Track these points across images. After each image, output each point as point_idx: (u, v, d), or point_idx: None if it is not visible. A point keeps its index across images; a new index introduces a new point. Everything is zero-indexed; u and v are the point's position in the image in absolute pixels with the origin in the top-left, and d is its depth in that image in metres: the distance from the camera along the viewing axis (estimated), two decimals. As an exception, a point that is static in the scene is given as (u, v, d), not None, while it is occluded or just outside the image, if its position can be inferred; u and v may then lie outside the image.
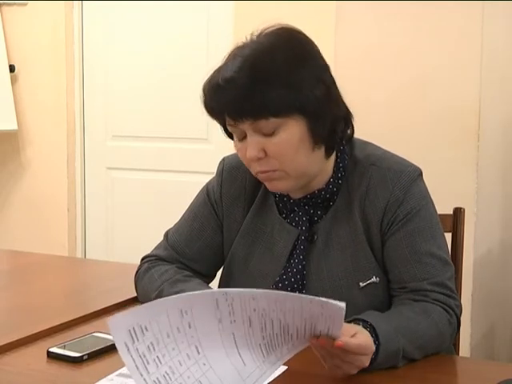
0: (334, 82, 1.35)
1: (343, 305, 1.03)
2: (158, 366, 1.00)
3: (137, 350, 0.97)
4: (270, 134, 1.29)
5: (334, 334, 1.08)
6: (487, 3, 2.62)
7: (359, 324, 1.22)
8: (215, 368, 1.04)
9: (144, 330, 0.98)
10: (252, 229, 1.46)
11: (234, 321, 1.03)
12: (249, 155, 1.30)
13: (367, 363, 1.16)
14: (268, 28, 1.34)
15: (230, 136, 1.38)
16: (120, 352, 0.97)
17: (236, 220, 1.48)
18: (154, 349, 0.99)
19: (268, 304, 1.02)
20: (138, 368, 0.98)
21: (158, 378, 0.99)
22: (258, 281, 1.42)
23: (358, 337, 1.13)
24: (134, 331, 0.97)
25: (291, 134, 1.29)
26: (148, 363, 0.99)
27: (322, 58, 1.35)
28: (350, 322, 1.23)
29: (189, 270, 1.50)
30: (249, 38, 1.33)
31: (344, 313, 1.04)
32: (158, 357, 1.00)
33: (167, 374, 1.00)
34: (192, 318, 1.01)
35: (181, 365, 1.02)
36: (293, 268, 1.40)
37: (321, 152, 1.35)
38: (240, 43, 1.33)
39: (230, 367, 1.06)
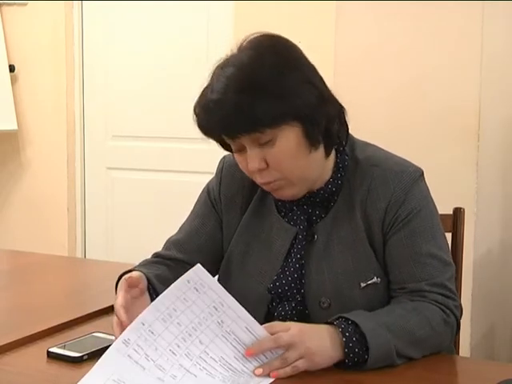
0: (323, 81, 1.35)
1: (197, 265, 1.10)
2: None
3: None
4: (269, 144, 1.29)
5: (259, 333, 1.13)
6: (487, 3, 2.62)
7: (339, 320, 1.23)
8: None
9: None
10: (250, 227, 1.47)
11: (175, 375, 1.06)
12: (250, 167, 1.31)
13: (310, 345, 1.17)
14: (248, 38, 1.33)
15: (229, 150, 1.39)
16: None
17: (235, 217, 1.49)
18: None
19: (172, 333, 1.07)
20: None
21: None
22: (256, 279, 1.43)
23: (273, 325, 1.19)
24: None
25: (288, 141, 1.29)
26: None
27: (306, 59, 1.34)
28: (335, 319, 1.24)
29: (188, 265, 1.50)
30: (229, 53, 1.32)
31: (203, 270, 1.11)
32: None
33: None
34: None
35: None
36: (290, 267, 1.40)
37: (320, 153, 1.35)
38: (222, 60, 1.33)
39: None
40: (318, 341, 1.19)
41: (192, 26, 3.55)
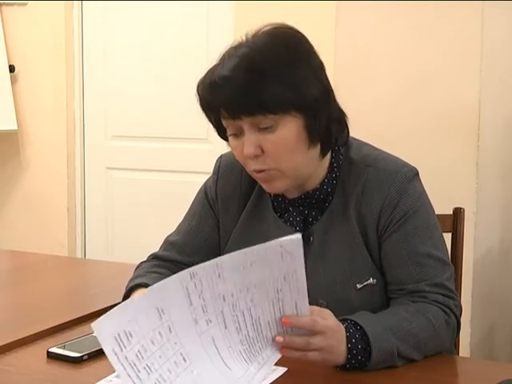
0: (329, 82, 1.36)
1: (299, 235, 1.06)
2: (149, 374, 1.01)
3: (126, 358, 0.99)
4: (268, 131, 1.28)
5: (302, 311, 1.12)
6: (487, 3, 2.62)
7: (348, 323, 1.22)
8: (204, 375, 1.07)
9: (129, 337, 1.00)
10: (248, 226, 1.46)
11: (210, 320, 1.05)
12: (246, 152, 1.30)
13: (334, 343, 1.15)
14: (263, 28, 1.34)
15: (224, 137, 1.38)
16: (110, 360, 0.98)
17: (231, 217, 1.48)
18: (143, 357, 1.01)
19: (235, 282, 1.05)
20: (130, 376, 0.99)
21: None
22: None
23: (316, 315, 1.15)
24: (120, 338, 0.99)
25: (288, 131, 1.29)
26: (139, 371, 1.00)
27: (317, 56, 1.35)
28: (344, 321, 1.23)
29: (186, 267, 1.50)
30: (244, 38, 1.33)
31: (301, 242, 1.07)
32: (147, 365, 1.02)
33: (159, 382, 1.02)
34: (170, 320, 1.03)
35: (170, 372, 1.04)
36: None
37: (316, 151, 1.35)
38: (235, 43, 1.33)
39: (217, 374, 1.08)
40: (339, 343, 1.18)
41: (192, 25, 3.55)
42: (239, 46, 1.31)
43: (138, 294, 1.38)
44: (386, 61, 2.79)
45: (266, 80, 1.25)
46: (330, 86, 1.35)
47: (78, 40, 3.85)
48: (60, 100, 3.83)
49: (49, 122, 3.86)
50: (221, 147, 1.55)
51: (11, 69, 3.85)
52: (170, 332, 1.02)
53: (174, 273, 1.46)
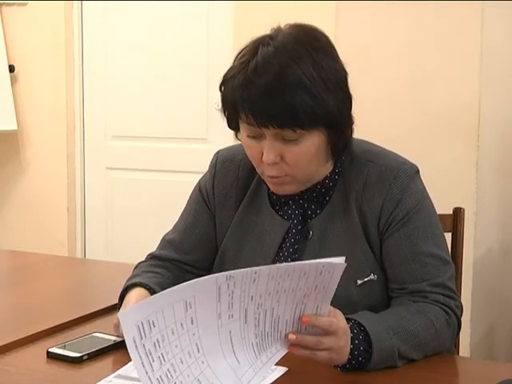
0: (350, 92, 1.33)
1: (343, 259, 1.08)
2: (161, 364, 1.01)
3: (143, 346, 0.99)
4: (292, 142, 1.28)
5: (322, 312, 1.12)
6: (487, 3, 2.62)
7: (352, 323, 1.22)
8: (212, 366, 1.07)
9: (151, 326, 0.99)
10: (244, 221, 1.46)
11: (232, 316, 1.05)
12: (265, 159, 1.29)
13: (342, 344, 1.15)
14: (285, 26, 1.30)
15: (233, 128, 1.37)
16: (128, 348, 0.98)
17: (228, 212, 1.48)
18: (160, 346, 1.01)
19: (267, 287, 1.05)
20: (143, 365, 0.99)
21: (160, 376, 1.01)
22: None
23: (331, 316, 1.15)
24: (143, 326, 0.98)
25: (312, 144, 1.28)
26: (153, 361, 1.00)
27: (340, 59, 1.33)
28: (348, 320, 1.23)
29: (184, 265, 1.51)
30: (270, 32, 1.30)
31: (344, 266, 1.08)
32: (162, 354, 1.01)
33: (169, 372, 1.02)
34: (195, 313, 1.03)
35: (182, 363, 1.04)
36: (282, 261, 1.38)
37: (329, 157, 1.35)
38: (260, 38, 1.29)
39: (226, 366, 1.08)
40: (346, 344, 1.17)
41: (192, 26, 3.55)
42: (265, 43, 1.27)
43: (133, 294, 1.38)
44: (386, 61, 2.79)
45: (300, 94, 1.23)
46: (351, 97, 1.33)
47: (78, 40, 3.85)
48: (60, 100, 3.83)
49: (49, 122, 3.87)
50: (220, 147, 1.55)
51: (11, 69, 3.85)
52: (192, 324, 1.03)
53: (172, 272, 1.48)
